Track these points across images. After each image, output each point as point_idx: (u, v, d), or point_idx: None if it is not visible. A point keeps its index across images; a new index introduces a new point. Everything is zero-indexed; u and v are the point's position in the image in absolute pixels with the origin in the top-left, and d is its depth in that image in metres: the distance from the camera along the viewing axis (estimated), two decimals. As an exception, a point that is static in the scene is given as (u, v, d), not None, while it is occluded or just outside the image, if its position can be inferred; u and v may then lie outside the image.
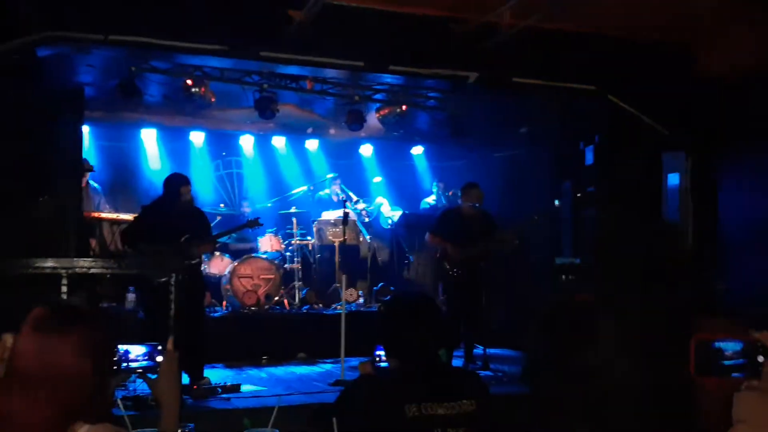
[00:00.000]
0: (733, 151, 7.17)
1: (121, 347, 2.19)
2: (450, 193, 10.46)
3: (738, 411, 1.71)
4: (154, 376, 2.24)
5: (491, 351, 7.56)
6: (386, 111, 8.86)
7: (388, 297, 8.99)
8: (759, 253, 6.57)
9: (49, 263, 5.51)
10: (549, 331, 2.00)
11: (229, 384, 6.21)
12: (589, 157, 8.07)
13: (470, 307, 7.38)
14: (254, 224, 7.44)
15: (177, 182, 6.47)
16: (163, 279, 5.62)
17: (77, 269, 5.61)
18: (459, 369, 6.90)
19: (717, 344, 1.81)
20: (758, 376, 1.75)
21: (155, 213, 6.46)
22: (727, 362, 1.83)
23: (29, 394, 1.74)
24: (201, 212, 6.84)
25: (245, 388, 6.30)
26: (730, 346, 1.82)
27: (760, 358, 1.79)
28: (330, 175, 10.55)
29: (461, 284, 7.38)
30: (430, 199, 10.88)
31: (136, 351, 2.21)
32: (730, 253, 7.13)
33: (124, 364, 2.23)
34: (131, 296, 7.86)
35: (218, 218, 9.42)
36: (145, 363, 2.27)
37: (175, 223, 6.35)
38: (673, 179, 7.64)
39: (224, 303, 8.69)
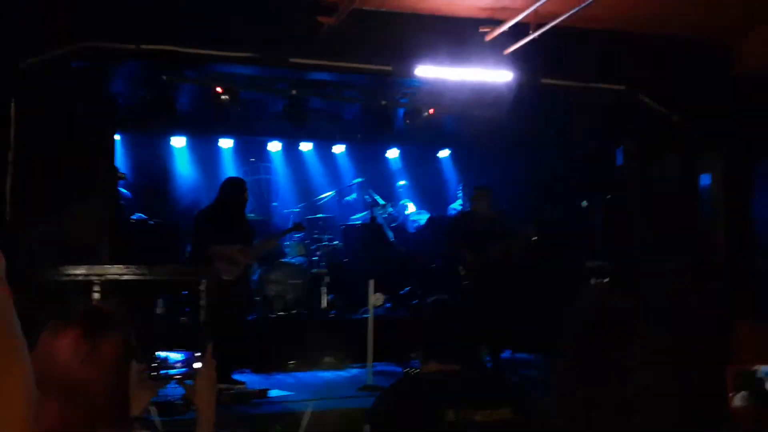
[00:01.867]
0: (766, 150, 7.05)
1: (161, 353, 2.20)
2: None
3: None
4: (190, 382, 2.25)
5: (519, 356, 7.50)
6: (414, 115, 8.86)
7: (430, 300, 8.93)
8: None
9: (81, 270, 5.59)
10: (588, 337, 1.98)
11: (257, 389, 6.24)
12: (620, 158, 7.98)
13: (491, 312, 7.29)
14: (300, 228, 7.61)
15: (235, 184, 6.74)
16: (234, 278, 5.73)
17: (109, 276, 5.68)
18: (498, 375, 6.86)
19: (757, 372, 1.74)
20: None
21: (217, 217, 6.56)
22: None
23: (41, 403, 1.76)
24: (248, 219, 7.10)
25: (273, 393, 6.31)
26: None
27: None
28: (357, 180, 10.57)
29: (480, 288, 7.28)
30: (457, 204, 10.85)
31: (174, 357, 2.22)
32: (764, 255, 7.00)
33: (163, 371, 2.24)
34: (161, 302, 7.93)
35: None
36: (183, 369, 2.28)
37: (234, 224, 6.50)
38: (705, 180, 7.53)
39: (253, 308, 8.73)
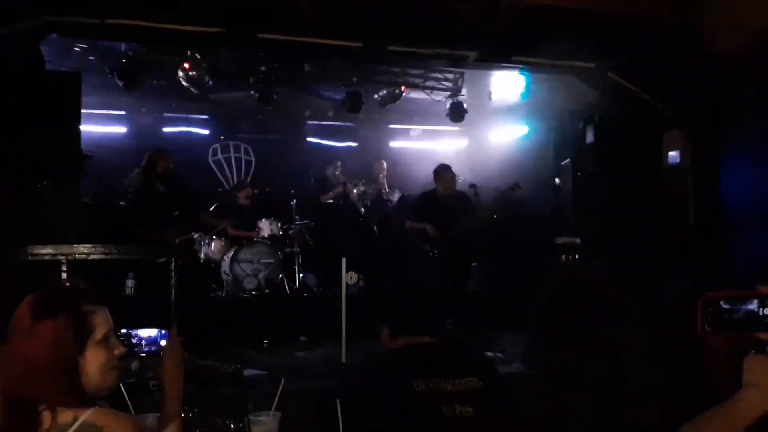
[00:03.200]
0: (733, 127, 7.13)
1: (128, 331, 2.20)
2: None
3: (749, 375, 1.69)
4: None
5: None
6: (384, 93, 8.82)
7: (390, 281, 8.99)
8: (762, 229, 6.56)
9: (48, 249, 5.50)
10: (560, 306, 2.00)
11: (230, 368, 6.21)
12: (590, 136, 8.04)
13: (455, 289, 7.41)
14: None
15: (154, 154, 6.68)
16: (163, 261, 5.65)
17: (77, 255, 5.60)
18: (465, 348, 6.93)
19: (724, 302, 1.76)
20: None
21: (145, 195, 6.52)
22: (735, 319, 1.78)
23: None
24: (187, 192, 6.93)
25: (247, 372, 6.30)
26: (737, 303, 1.77)
27: None
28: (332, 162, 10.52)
29: (443, 265, 7.39)
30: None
31: (142, 335, 2.21)
32: (733, 229, 7.12)
33: (130, 349, 2.23)
34: (130, 282, 7.86)
35: (215, 204, 9.38)
36: (150, 347, 2.27)
37: (165, 202, 6.41)
38: (674, 158, 7.62)
39: (224, 287, 8.68)
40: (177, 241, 6.37)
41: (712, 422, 1.72)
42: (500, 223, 7.69)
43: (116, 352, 1.97)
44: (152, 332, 2.14)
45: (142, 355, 2.21)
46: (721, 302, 1.74)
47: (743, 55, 6.49)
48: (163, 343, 2.24)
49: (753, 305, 1.75)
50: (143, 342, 2.20)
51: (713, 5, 6.65)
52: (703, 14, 6.78)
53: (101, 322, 1.95)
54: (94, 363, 1.90)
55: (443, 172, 7.63)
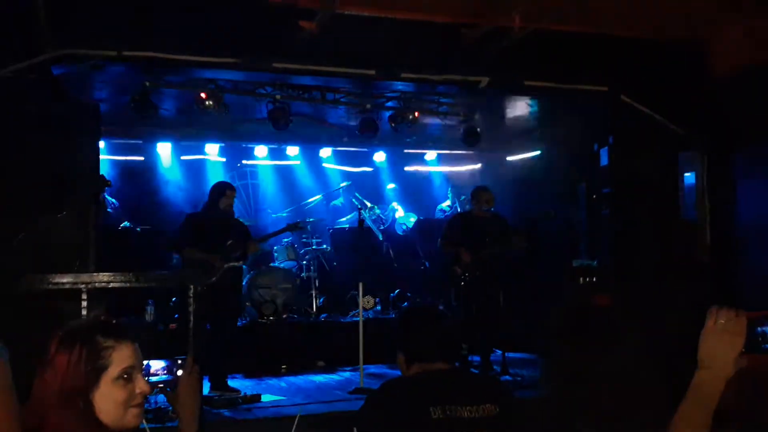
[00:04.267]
0: (749, 148, 7.12)
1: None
2: (462, 199, 10.47)
3: (701, 353, 1.78)
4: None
5: (510, 355, 7.53)
6: (399, 118, 8.87)
7: (404, 306, 8.98)
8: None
9: (68, 278, 5.56)
10: (566, 337, 2.01)
11: (249, 394, 6.24)
12: (604, 158, 8.03)
13: (485, 311, 7.33)
14: (296, 227, 7.65)
15: (220, 187, 6.88)
16: (208, 283, 5.75)
17: (96, 284, 5.66)
18: (481, 373, 6.90)
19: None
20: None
21: (199, 220, 6.71)
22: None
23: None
24: (241, 222, 7.15)
25: (265, 398, 6.32)
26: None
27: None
28: (344, 184, 10.59)
29: (475, 288, 7.33)
30: (445, 205, 10.88)
31: (156, 365, 2.23)
32: (749, 250, 7.07)
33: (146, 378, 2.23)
34: (150, 309, 7.93)
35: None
36: (164, 377, 2.29)
37: (218, 229, 6.58)
38: (690, 178, 7.59)
39: (243, 313, 8.72)
40: (225, 267, 6.52)
41: (687, 408, 1.78)
42: (530, 248, 7.66)
43: (138, 390, 1.91)
44: (166, 361, 2.17)
45: (159, 386, 2.23)
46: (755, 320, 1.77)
47: (750, 75, 6.50)
48: (178, 372, 2.25)
49: None
50: (159, 372, 2.22)
51: (723, 29, 6.68)
52: (714, 37, 6.82)
53: (122, 357, 1.90)
54: (109, 399, 1.87)
55: (481, 192, 7.54)
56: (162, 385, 2.22)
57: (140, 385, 1.92)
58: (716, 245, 7.22)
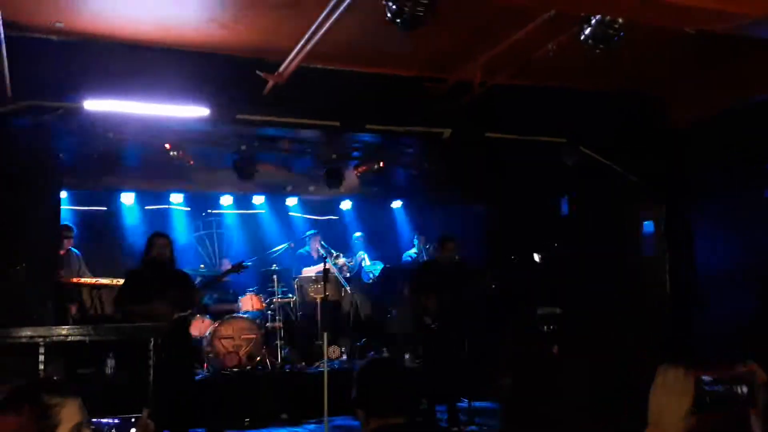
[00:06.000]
0: (705, 197, 7.30)
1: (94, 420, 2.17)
2: (428, 247, 10.53)
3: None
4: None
5: (477, 404, 7.50)
6: (364, 168, 8.96)
7: (364, 359, 8.93)
8: (732, 294, 6.66)
9: (26, 332, 5.45)
10: (513, 381, 2.04)
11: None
12: (565, 208, 8.19)
13: (451, 360, 7.32)
14: (239, 268, 7.51)
15: (150, 238, 6.71)
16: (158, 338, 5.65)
17: (54, 337, 5.55)
18: (446, 426, 6.85)
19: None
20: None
21: (138, 274, 6.57)
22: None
23: None
24: (185, 274, 7.00)
25: (228, 452, 6.19)
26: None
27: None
28: (309, 232, 10.59)
29: (441, 337, 7.32)
30: (412, 251, 10.92)
31: (107, 422, 2.20)
32: (706, 295, 7.19)
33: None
34: (111, 362, 7.75)
35: (198, 279, 9.36)
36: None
37: (158, 281, 6.45)
38: (648, 226, 7.75)
39: (205, 365, 8.57)
40: (174, 317, 6.41)
41: None
42: (492, 294, 7.72)
43: None
44: (115, 419, 2.14)
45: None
46: (703, 378, 1.81)
47: (705, 128, 6.72)
48: (132, 431, 2.22)
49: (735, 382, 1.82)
50: (112, 430, 2.19)
51: (679, 85, 6.93)
52: (670, 92, 7.06)
53: (70, 415, 1.92)
54: None
55: (447, 242, 7.58)
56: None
57: None
58: (675, 292, 7.34)
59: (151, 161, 8.20)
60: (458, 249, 7.56)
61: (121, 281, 7.00)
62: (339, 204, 11.26)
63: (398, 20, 4.38)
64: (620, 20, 4.67)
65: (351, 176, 9.02)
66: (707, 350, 6.38)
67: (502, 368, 2.10)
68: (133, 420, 2.30)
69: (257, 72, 5.87)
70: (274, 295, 9.48)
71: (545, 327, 7.99)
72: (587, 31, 4.87)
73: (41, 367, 5.41)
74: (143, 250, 6.71)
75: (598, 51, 4.92)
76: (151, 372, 5.81)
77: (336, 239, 10.90)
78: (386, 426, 2.67)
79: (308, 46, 5.31)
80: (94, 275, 8.64)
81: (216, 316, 9.00)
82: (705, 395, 1.85)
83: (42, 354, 5.47)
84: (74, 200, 9.48)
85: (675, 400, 1.80)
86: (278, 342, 9.05)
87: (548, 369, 2.04)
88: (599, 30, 4.80)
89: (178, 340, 6.58)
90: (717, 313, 6.82)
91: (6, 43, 5.10)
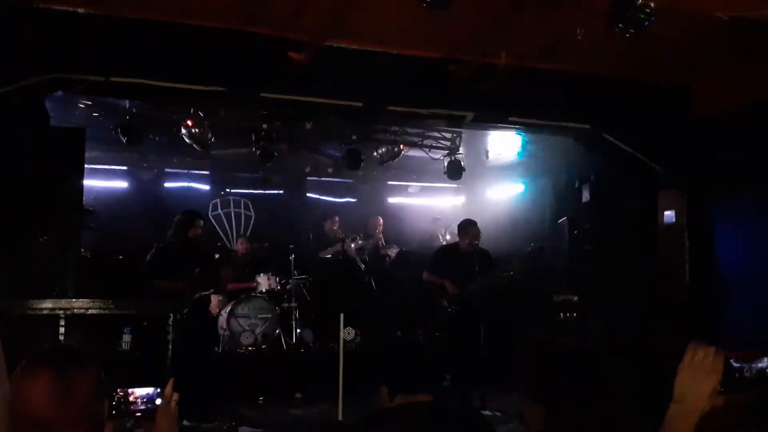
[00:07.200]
0: (729, 190, 7.20)
1: (124, 389, 2.19)
2: (443, 232, 10.51)
3: (676, 388, 1.80)
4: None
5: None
6: (384, 150, 8.94)
7: (386, 338, 8.94)
8: (754, 292, 6.58)
9: (47, 304, 5.50)
10: (531, 371, 2.03)
11: (226, 425, 6.14)
12: (586, 195, 8.12)
13: (466, 346, 7.31)
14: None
15: (189, 218, 6.86)
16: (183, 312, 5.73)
17: (75, 310, 5.60)
18: (462, 407, 6.85)
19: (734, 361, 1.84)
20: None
21: (168, 250, 6.66)
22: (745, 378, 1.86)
23: None
24: (211, 253, 7.11)
25: (242, 429, 6.23)
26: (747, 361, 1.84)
27: None
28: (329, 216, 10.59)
29: (458, 322, 7.31)
30: (429, 237, 10.90)
31: (138, 393, 2.21)
32: (727, 291, 7.11)
33: (123, 407, 2.22)
34: (126, 337, 7.80)
35: (216, 256, 9.40)
36: (144, 405, 2.26)
37: (187, 259, 6.54)
38: (669, 217, 7.67)
39: (220, 343, 8.63)
40: (195, 297, 6.48)
41: None
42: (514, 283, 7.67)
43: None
44: (148, 390, 2.14)
45: (138, 414, 2.20)
46: (732, 361, 1.79)
47: (732, 119, 6.62)
48: (158, 401, 2.22)
49: (764, 363, 1.80)
50: (139, 400, 2.20)
51: (707, 73, 6.81)
52: (698, 81, 6.95)
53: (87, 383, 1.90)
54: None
55: (469, 227, 7.55)
56: (139, 415, 2.19)
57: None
58: (694, 285, 7.26)
59: (173, 138, 8.22)
60: (479, 234, 7.52)
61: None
62: (358, 186, 11.25)
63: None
64: (652, 4, 4.59)
65: (371, 158, 9.01)
66: (727, 341, 6.32)
67: (522, 359, 2.09)
68: (158, 391, 2.30)
69: (285, 52, 5.83)
70: (291, 276, 9.51)
71: (562, 314, 7.97)
72: (618, 15, 4.80)
73: (61, 339, 5.47)
74: (174, 226, 6.79)
75: (627, 35, 4.85)
76: (170, 348, 5.86)
77: (353, 222, 10.89)
78: (412, 403, 2.68)
79: (334, 26, 5.27)
80: (112, 253, 8.72)
81: (232, 295, 9.05)
82: (734, 375, 1.84)
83: (62, 326, 5.54)
84: (95, 176, 9.52)
85: (702, 378, 1.78)
86: (293, 322, 9.09)
87: (563, 357, 2.02)
88: (630, 14, 4.72)
89: (197, 318, 6.64)
90: (736, 307, 6.76)
91: (33, 15, 5.11)
